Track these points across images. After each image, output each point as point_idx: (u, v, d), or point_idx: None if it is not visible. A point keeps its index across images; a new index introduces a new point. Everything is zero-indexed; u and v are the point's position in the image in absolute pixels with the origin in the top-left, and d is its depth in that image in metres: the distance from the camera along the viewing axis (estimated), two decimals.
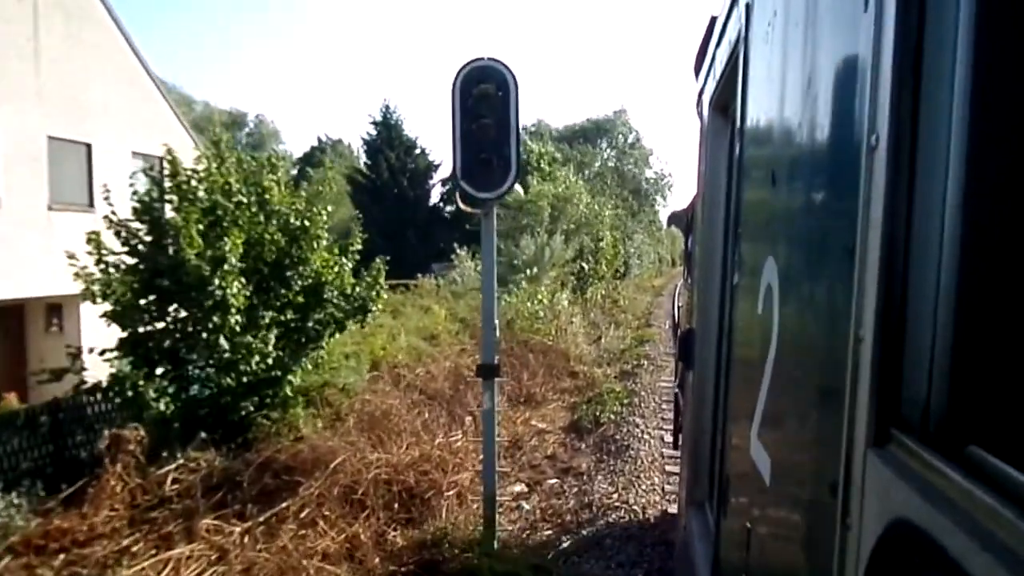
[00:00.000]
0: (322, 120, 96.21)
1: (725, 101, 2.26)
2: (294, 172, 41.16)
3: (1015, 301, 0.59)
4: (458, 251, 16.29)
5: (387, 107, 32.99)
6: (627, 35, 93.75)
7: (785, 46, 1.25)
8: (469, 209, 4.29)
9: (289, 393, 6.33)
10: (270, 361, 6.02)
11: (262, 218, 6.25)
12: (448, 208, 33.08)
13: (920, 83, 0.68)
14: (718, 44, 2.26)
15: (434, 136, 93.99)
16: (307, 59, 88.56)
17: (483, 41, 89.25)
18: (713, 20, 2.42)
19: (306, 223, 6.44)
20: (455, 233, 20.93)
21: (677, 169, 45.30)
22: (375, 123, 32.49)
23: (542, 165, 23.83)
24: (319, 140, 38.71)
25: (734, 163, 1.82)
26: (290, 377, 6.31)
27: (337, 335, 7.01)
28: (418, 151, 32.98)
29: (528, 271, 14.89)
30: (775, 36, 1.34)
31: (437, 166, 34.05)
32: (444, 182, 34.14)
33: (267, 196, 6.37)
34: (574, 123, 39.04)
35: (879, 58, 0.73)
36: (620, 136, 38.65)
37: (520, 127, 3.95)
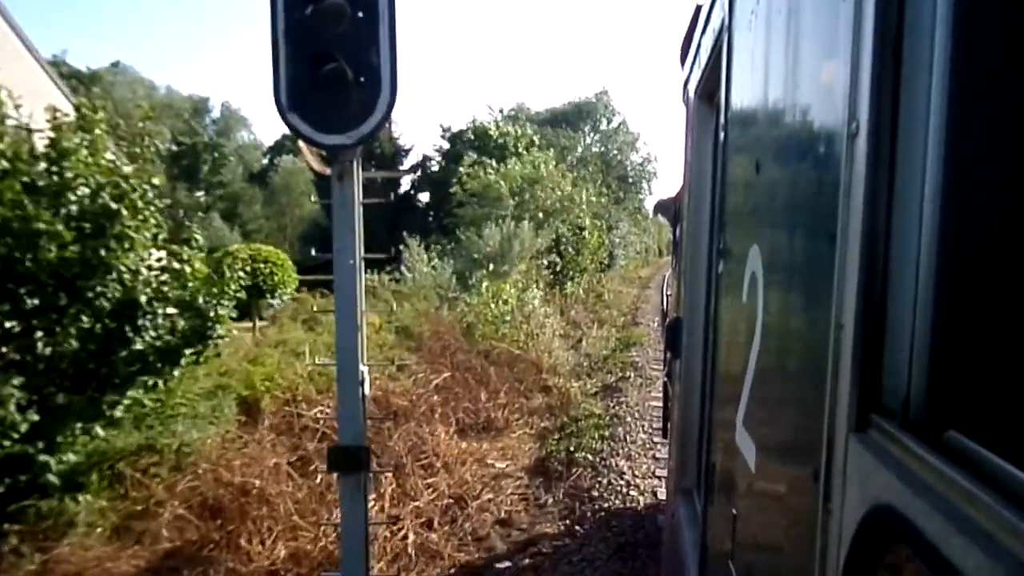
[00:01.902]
0: None
1: (710, 90, 2.26)
2: (264, 162, 39.59)
3: (994, 289, 0.60)
4: (407, 240, 13.12)
5: None
6: (611, 17, 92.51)
7: (768, 34, 1.25)
8: (316, 166, 2.35)
9: (53, 479, 3.81)
10: (23, 428, 3.60)
11: (51, 197, 3.94)
12: (421, 196, 31.45)
13: (900, 70, 0.68)
14: (703, 33, 2.26)
15: (403, 118, 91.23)
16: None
17: (459, 21, 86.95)
18: (698, 9, 2.41)
19: (113, 206, 4.13)
20: (430, 224, 19.45)
21: (664, 154, 43.56)
22: None
23: (520, 149, 22.04)
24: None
25: (719, 152, 1.83)
26: (61, 456, 3.83)
27: (171, 373, 4.53)
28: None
29: (491, 266, 12.45)
30: (758, 24, 1.34)
31: (407, 151, 32.56)
32: (415, 168, 32.29)
33: (66, 164, 4.07)
34: (555, 106, 36.90)
35: (859, 45, 0.74)
36: (603, 119, 36.69)
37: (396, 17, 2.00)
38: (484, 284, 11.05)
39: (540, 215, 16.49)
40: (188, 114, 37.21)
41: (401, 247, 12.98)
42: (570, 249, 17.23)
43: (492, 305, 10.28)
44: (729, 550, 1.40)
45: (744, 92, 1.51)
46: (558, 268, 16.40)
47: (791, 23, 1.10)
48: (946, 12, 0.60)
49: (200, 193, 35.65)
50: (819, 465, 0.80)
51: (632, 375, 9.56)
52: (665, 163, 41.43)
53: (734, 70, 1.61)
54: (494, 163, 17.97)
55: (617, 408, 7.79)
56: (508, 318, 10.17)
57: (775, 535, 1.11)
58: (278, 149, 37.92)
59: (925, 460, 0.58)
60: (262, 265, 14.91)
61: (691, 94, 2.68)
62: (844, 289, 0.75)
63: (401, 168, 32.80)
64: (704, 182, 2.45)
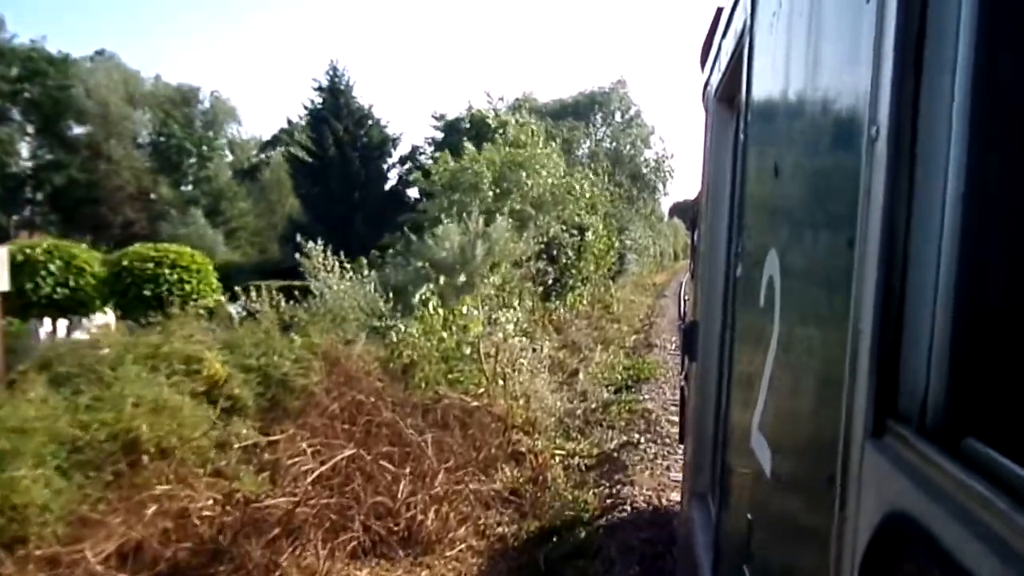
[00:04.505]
0: (295, 100, 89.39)
1: (731, 93, 2.27)
2: (262, 157, 38.15)
3: (1014, 295, 0.60)
4: (306, 246, 8.93)
5: (335, 70, 27.86)
6: (627, 7, 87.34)
7: (789, 37, 1.25)
8: None
9: None
10: None
11: None
12: (410, 191, 27.00)
13: (921, 74, 0.68)
14: (724, 35, 2.27)
15: (392, 104, 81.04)
16: (278, 36, 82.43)
17: (463, 3, 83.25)
18: (719, 12, 2.43)
19: None
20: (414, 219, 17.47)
21: (682, 154, 38.11)
22: (320, 89, 27.76)
23: (522, 138, 18.18)
24: (289, 122, 32.88)
25: (738, 155, 1.84)
26: None
27: None
28: (371, 122, 28.57)
29: (442, 278, 8.90)
30: (780, 27, 1.34)
31: (396, 140, 29.54)
32: (404, 160, 29.09)
33: None
34: (564, 98, 32.76)
35: (880, 49, 0.74)
36: (617, 112, 32.76)
37: None
38: (431, 303, 7.64)
39: (528, 209, 13.03)
40: (172, 104, 35.75)
41: (297, 255, 8.96)
42: (569, 253, 13.96)
43: (444, 334, 7.11)
44: (743, 554, 1.40)
45: (764, 95, 1.52)
46: (550, 278, 13.01)
47: (812, 26, 1.11)
48: (969, 17, 0.60)
49: (189, 187, 34.89)
50: (835, 470, 0.80)
51: (641, 438, 6.28)
52: (683, 163, 37.32)
53: (755, 72, 1.62)
54: (470, 145, 14.35)
55: (618, 506, 4.68)
56: (468, 351, 7.01)
57: (789, 540, 1.11)
58: (273, 143, 36.53)
59: (942, 467, 0.57)
60: (168, 271, 11.70)
61: (711, 97, 2.69)
62: (862, 294, 0.76)
63: (389, 160, 29.70)
64: (723, 185, 2.46)
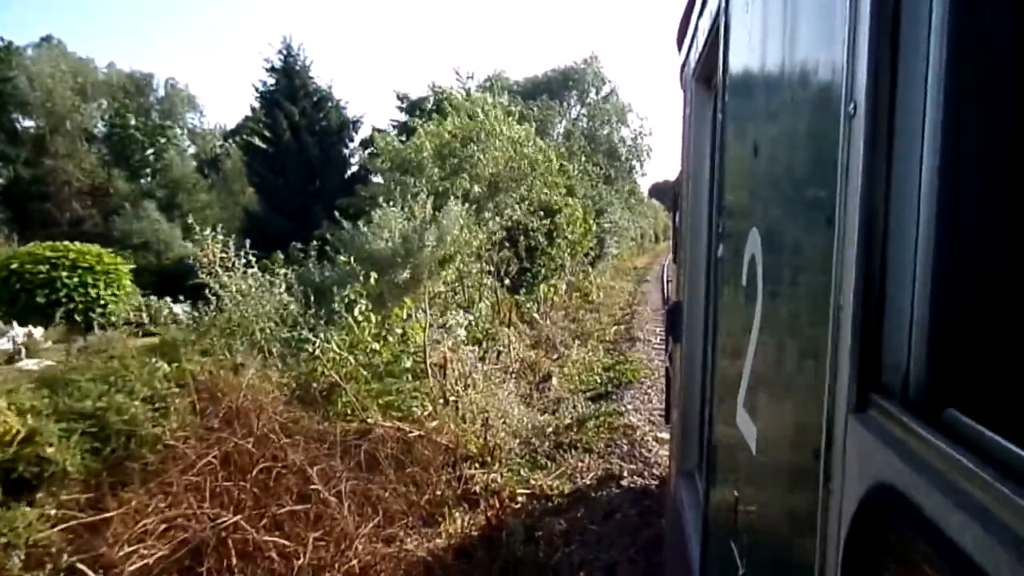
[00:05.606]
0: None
1: (708, 73, 2.27)
2: (224, 146, 36.33)
3: (992, 268, 0.61)
4: (200, 233, 6.83)
5: (288, 48, 25.27)
6: None
7: (765, 14, 1.24)
8: None
9: None
10: None
11: None
12: (375, 178, 24.46)
13: (897, 50, 0.68)
14: (700, 15, 2.26)
15: (355, 85, 76.99)
16: (245, 20, 77.94)
17: None
18: None
19: None
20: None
21: (659, 130, 36.71)
22: (272, 69, 25.27)
23: (467, 106, 15.42)
24: (252, 110, 29.67)
25: (717, 135, 1.84)
26: None
27: None
28: (330, 104, 26.25)
29: (380, 274, 7.25)
30: (755, 5, 1.34)
31: (357, 123, 26.97)
32: (365, 144, 26.14)
33: None
34: (536, 76, 30.80)
35: (856, 25, 0.74)
36: (592, 89, 31.03)
37: None
38: (358, 308, 6.13)
39: (477, 189, 11.02)
40: (126, 93, 33.65)
41: (190, 244, 7.31)
42: (540, 239, 12.27)
43: (376, 346, 5.84)
44: (731, 530, 1.42)
45: (742, 74, 1.52)
46: (514, 269, 11.35)
47: (788, 2, 1.10)
48: None
49: (147, 179, 33.29)
50: (819, 445, 0.81)
51: (624, 469, 5.15)
52: (661, 142, 36.61)
53: (732, 52, 1.61)
54: (419, 122, 12.49)
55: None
56: (408, 364, 5.75)
57: (776, 515, 1.13)
58: (238, 132, 34.78)
59: (924, 439, 0.59)
60: (66, 274, 10.00)
61: (689, 77, 2.68)
62: (843, 270, 0.76)
63: (351, 144, 27.10)
64: (703, 166, 2.46)
